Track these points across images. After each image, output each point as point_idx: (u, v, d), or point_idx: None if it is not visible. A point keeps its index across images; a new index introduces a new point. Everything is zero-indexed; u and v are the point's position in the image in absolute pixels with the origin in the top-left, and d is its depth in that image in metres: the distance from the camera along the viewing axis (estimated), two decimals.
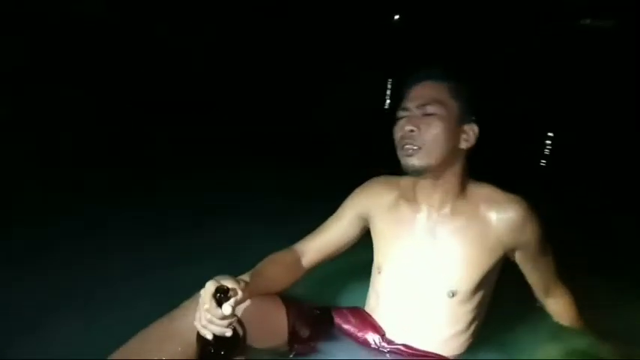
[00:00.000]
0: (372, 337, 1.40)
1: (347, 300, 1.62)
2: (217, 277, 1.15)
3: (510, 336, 1.54)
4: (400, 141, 1.32)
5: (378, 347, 1.38)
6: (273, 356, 1.34)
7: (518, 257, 1.38)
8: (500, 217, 1.30)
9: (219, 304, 1.11)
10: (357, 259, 1.54)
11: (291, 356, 1.36)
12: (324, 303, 1.54)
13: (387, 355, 1.37)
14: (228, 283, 1.14)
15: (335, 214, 1.51)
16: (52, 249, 2.00)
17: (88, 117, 4.17)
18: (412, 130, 1.29)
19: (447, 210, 1.34)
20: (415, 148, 1.28)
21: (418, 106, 1.30)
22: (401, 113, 1.34)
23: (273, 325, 1.34)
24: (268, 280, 1.34)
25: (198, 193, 2.91)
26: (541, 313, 1.52)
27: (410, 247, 1.36)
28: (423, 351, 1.36)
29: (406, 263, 1.37)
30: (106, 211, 2.51)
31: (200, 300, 1.12)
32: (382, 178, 1.50)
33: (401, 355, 1.36)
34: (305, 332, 1.39)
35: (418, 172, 1.30)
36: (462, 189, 1.34)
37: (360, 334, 1.41)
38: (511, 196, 1.32)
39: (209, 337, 1.12)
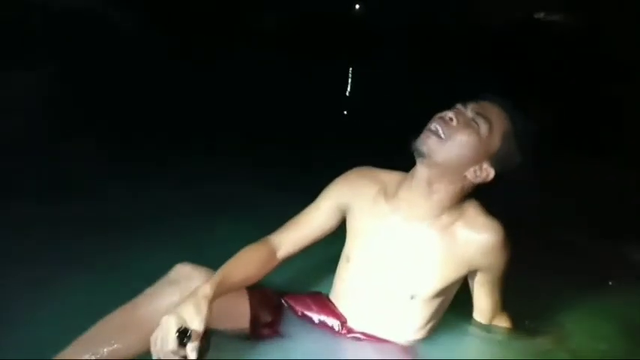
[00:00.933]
0: (332, 323, 1.42)
1: (309, 285, 1.64)
2: (181, 310, 1.12)
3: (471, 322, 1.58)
4: (434, 119, 1.30)
5: (338, 333, 1.41)
6: (235, 340, 1.35)
7: (478, 278, 1.41)
8: (473, 237, 1.32)
9: (182, 342, 1.09)
10: (322, 245, 1.53)
11: (252, 340, 1.37)
12: (286, 288, 1.55)
13: (346, 340, 1.40)
14: (193, 322, 1.11)
15: (313, 204, 1.48)
16: None
17: None
18: (451, 119, 1.27)
19: (425, 220, 1.34)
20: (439, 134, 1.27)
21: (476, 112, 1.29)
22: (457, 104, 1.33)
23: (235, 310, 1.35)
24: (240, 281, 1.33)
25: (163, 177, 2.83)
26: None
27: (381, 243, 1.38)
28: (381, 338, 1.40)
29: (375, 258, 1.38)
30: None
31: (162, 328, 1.10)
32: (364, 170, 1.47)
33: (359, 341, 1.39)
34: (267, 317, 1.40)
35: (420, 156, 1.29)
36: (448, 209, 1.34)
37: (320, 320, 1.43)
38: (489, 219, 1.34)
39: (155, 358, 1.11)
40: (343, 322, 1.42)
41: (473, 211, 1.35)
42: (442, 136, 1.27)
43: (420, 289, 1.35)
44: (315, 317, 1.44)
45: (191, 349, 1.09)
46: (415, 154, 1.31)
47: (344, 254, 1.46)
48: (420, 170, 1.32)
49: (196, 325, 1.12)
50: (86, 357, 1.20)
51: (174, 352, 1.09)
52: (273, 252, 1.43)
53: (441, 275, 1.35)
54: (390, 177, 1.42)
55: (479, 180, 1.31)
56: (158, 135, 3.47)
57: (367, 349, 1.38)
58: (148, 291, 1.29)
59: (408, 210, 1.35)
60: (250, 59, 5.30)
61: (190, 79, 4.64)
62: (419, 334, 1.42)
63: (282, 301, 1.48)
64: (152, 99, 4.10)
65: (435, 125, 1.28)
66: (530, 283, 1.81)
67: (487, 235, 1.31)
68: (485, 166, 1.30)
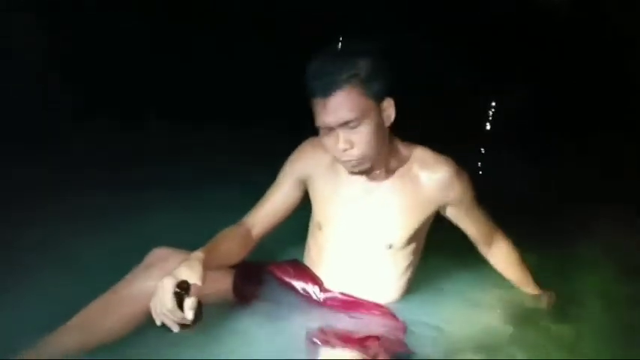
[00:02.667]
0: (310, 288, 1.48)
1: (284, 254, 1.69)
2: (177, 272, 1.16)
3: (447, 282, 1.66)
4: (337, 156, 1.32)
5: (316, 296, 1.47)
6: (220, 307, 1.41)
7: (452, 214, 1.47)
8: (430, 177, 1.39)
9: (180, 298, 1.12)
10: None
11: (237, 307, 1.43)
12: (262, 258, 1.60)
13: (325, 302, 1.46)
14: (190, 278, 1.16)
15: (275, 182, 1.52)
16: None
17: None
18: (345, 149, 1.28)
19: (382, 170, 1.40)
20: (356, 160, 1.30)
21: (341, 124, 1.26)
22: (324, 131, 1.31)
23: (219, 279, 1.41)
24: (223, 258, 1.38)
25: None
26: (479, 260, 1.60)
27: (348, 205, 1.43)
28: (358, 297, 1.45)
29: (346, 220, 1.43)
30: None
31: (158, 292, 1.13)
32: (316, 140, 1.45)
33: (337, 302, 1.45)
34: (249, 284, 1.46)
35: (364, 169, 1.35)
36: (393, 151, 1.40)
37: (298, 285, 1.49)
38: (440, 157, 1.41)
39: (159, 323, 1.15)
40: (320, 285, 1.48)
41: (422, 153, 1.41)
42: (358, 159, 1.30)
43: (395, 236, 1.41)
44: (293, 281, 1.50)
45: (188, 307, 1.13)
46: (358, 172, 1.36)
47: (314, 222, 1.51)
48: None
49: (193, 279, 1.16)
50: (70, 343, 1.27)
51: (172, 311, 1.12)
52: (248, 232, 1.49)
53: (411, 218, 1.41)
54: None
55: (393, 113, 1.32)
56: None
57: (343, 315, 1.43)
58: (127, 277, 1.35)
59: (369, 169, 1.38)
60: None
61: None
62: (399, 284, 1.48)
63: (265, 270, 1.53)
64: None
65: (345, 160, 1.30)
66: None
67: (441, 172, 1.38)
68: (385, 106, 1.30)
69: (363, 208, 1.41)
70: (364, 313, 1.43)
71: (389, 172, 1.40)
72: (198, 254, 1.26)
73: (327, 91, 1.23)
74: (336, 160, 1.36)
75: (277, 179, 1.52)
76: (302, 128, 1.49)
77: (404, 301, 1.50)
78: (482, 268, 1.61)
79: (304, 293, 1.48)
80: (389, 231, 1.41)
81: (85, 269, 1.70)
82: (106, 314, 1.30)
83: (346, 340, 1.28)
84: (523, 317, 1.54)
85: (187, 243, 1.37)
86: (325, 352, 1.26)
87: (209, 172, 2.63)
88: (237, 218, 1.52)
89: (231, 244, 1.42)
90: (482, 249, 1.57)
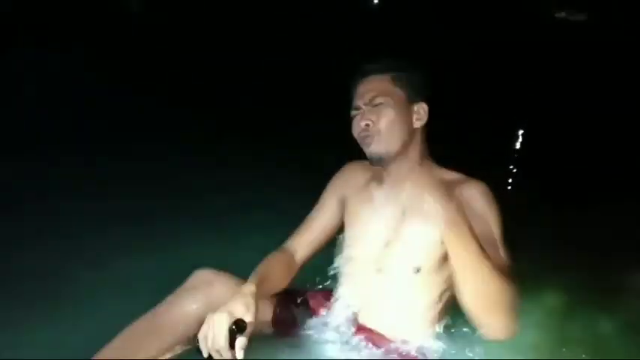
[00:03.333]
0: (341, 322, 1.42)
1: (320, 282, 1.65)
2: (233, 308, 1.14)
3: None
4: (359, 136, 1.41)
5: (346, 329, 1.41)
6: (256, 338, 1.35)
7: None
8: (462, 190, 1.34)
9: (232, 336, 1.10)
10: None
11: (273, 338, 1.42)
12: (302, 286, 1.58)
13: (355, 335, 1.40)
14: (245, 317, 1.14)
15: (317, 204, 1.57)
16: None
17: None
18: (367, 125, 1.38)
19: (408, 178, 1.32)
20: (372, 138, 1.38)
21: (367, 102, 1.40)
22: (353, 112, 1.44)
23: (260, 311, 1.35)
24: (271, 288, 1.39)
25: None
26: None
27: (377, 226, 1.41)
28: (387, 335, 1.39)
29: (374, 244, 1.41)
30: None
31: (212, 325, 1.11)
32: (355, 163, 1.58)
33: (367, 335, 1.39)
34: (286, 316, 1.44)
35: (381, 159, 1.39)
36: (428, 169, 1.41)
37: (330, 317, 1.45)
38: (473, 178, 1.39)
39: (205, 355, 1.12)
40: (353, 319, 1.42)
41: (453, 173, 1.42)
42: (375, 134, 1.37)
43: (422, 259, 1.34)
44: (327, 314, 1.46)
45: (240, 347, 1.11)
46: (378, 163, 1.41)
47: (345, 247, 1.48)
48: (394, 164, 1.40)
49: (248, 318, 1.14)
50: None
51: (224, 349, 1.09)
52: (292, 257, 1.50)
53: (438, 237, 1.28)
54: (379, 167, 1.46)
55: (424, 118, 1.42)
56: None
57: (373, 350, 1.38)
58: (169, 298, 1.34)
59: (396, 185, 1.40)
60: None
61: None
62: (430, 314, 1.38)
63: (300, 299, 1.51)
64: None
65: (365, 138, 1.39)
66: None
67: (474, 188, 1.35)
68: (416, 107, 1.41)
69: (391, 229, 1.38)
70: (392, 351, 1.36)
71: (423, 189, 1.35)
72: (251, 288, 1.22)
73: (364, 76, 1.43)
74: (358, 142, 1.41)
75: (318, 202, 1.56)
76: None
77: (437, 340, 1.41)
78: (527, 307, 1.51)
79: (335, 325, 1.43)
80: (416, 253, 1.34)
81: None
82: (147, 337, 1.28)
83: None
84: None
85: (225, 264, 1.38)
86: None
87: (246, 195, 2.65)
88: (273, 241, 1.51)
89: (277, 271, 1.42)
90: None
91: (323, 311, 1.47)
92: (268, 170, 3.10)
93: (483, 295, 1.12)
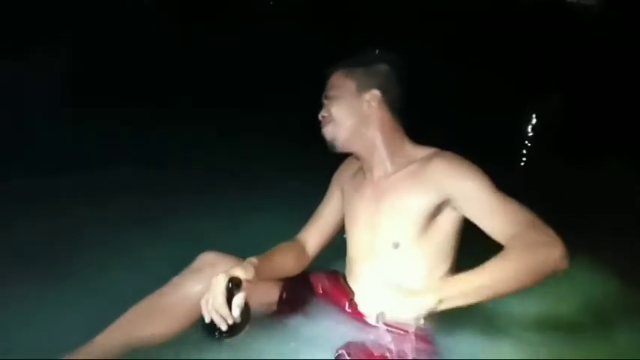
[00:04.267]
0: (345, 304, 1.44)
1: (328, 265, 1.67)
2: (231, 270, 1.23)
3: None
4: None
5: (353, 314, 1.42)
6: (259, 316, 1.39)
7: (467, 210, 1.31)
8: (429, 165, 1.36)
9: (230, 294, 1.18)
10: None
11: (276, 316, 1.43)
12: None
13: (357, 314, 1.41)
14: (241, 274, 1.22)
15: (324, 197, 1.63)
16: None
17: None
18: (323, 116, 1.48)
19: (388, 168, 1.44)
20: (325, 128, 1.47)
21: (325, 97, 1.50)
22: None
23: (267, 292, 1.44)
24: (277, 270, 1.44)
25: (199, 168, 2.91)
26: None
27: (362, 210, 1.47)
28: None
29: (361, 226, 1.46)
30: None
31: (212, 288, 1.19)
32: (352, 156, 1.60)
33: (363, 322, 1.39)
34: (290, 297, 1.46)
35: (335, 146, 1.47)
36: (396, 149, 1.45)
37: (335, 302, 1.46)
38: (446, 151, 1.39)
39: (208, 320, 1.19)
40: (350, 300, 1.44)
41: (428, 148, 1.44)
42: (328, 124, 1.46)
43: (399, 235, 1.37)
44: (328, 295, 1.48)
45: (236, 304, 1.18)
46: (334, 150, 1.48)
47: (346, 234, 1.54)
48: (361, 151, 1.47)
49: (243, 276, 1.22)
50: (116, 344, 1.31)
51: (221, 306, 1.16)
52: (303, 248, 1.57)
53: (413, 214, 1.35)
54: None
55: (376, 104, 1.45)
56: None
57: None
58: (174, 280, 1.37)
59: (373, 169, 1.46)
60: None
61: None
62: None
63: (306, 280, 1.53)
64: None
65: (321, 125, 1.49)
66: None
67: (443, 159, 1.35)
68: (366, 95, 1.45)
69: (372, 210, 1.43)
70: (397, 332, 1.32)
71: (394, 169, 1.43)
72: (253, 260, 1.32)
73: (328, 75, 1.51)
74: (324, 132, 1.48)
75: (326, 193, 1.63)
76: None
77: (442, 324, 1.39)
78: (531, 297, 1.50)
79: (336, 306, 1.45)
80: (393, 229, 1.38)
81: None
82: (152, 317, 1.32)
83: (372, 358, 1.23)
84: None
85: (234, 249, 1.40)
86: None
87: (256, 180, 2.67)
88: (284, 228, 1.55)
89: (286, 258, 1.49)
90: (506, 243, 1.21)
91: (324, 292, 1.48)
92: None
93: (532, 279, 1.12)
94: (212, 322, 1.19)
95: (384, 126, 1.46)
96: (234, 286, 1.18)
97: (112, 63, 4.47)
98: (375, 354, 1.25)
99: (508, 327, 1.50)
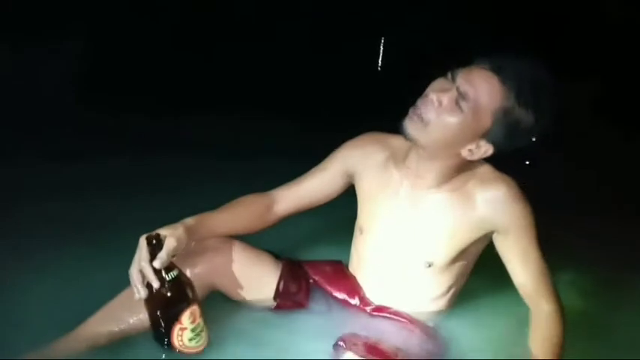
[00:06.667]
0: (349, 297, 1.41)
1: (331, 256, 1.60)
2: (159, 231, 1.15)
3: (486, 307, 1.54)
4: (418, 101, 1.23)
5: (357, 307, 1.40)
6: (258, 310, 1.38)
7: (503, 243, 1.31)
8: (484, 194, 1.26)
9: (154, 254, 1.09)
10: (344, 215, 1.50)
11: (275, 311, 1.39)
12: (306, 258, 1.55)
13: (362, 308, 1.39)
14: (165, 232, 1.13)
15: (320, 165, 1.45)
16: None
17: None
18: (440, 101, 1.19)
19: (432, 188, 1.30)
20: (422, 117, 1.20)
21: (461, 90, 1.18)
22: (441, 79, 1.23)
23: (262, 280, 1.37)
24: (224, 226, 1.33)
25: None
26: None
27: (392, 212, 1.34)
28: (397, 312, 1.37)
29: (387, 228, 1.35)
30: None
31: (136, 257, 1.12)
32: (375, 135, 1.42)
33: (377, 316, 1.38)
34: (289, 288, 1.40)
35: (408, 139, 1.24)
36: (456, 173, 1.29)
37: (338, 293, 1.42)
38: (499, 175, 1.28)
39: (138, 295, 1.10)
40: (361, 296, 1.41)
41: (483, 170, 1.30)
42: (424, 120, 1.19)
43: (436, 255, 1.31)
44: (332, 289, 1.43)
45: (158, 260, 1.09)
46: (407, 138, 1.24)
47: (357, 225, 1.43)
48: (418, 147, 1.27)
49: (168, 233, 1.13)
50: (97, 336, 1.22)
51: (145, 264, 1.09)
52: (269, 206, 1.42)
53: (455, 238, 1.29)
54: (401, 143, 1.34)
55: (477, 157, 1.25)
56: None
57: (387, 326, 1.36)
58: None
59: (416, 178, 1.30)
60: None
61: None
62: (439, 304, 1.38)
63: (304, 270, 1.46)
64: None
65: (417, 109, 1.21)
66: None
67: (497, 189, 1.25)
68: (482, 143, 1.23)
69: (406, 218, 1.32)
70: (402, 326, 1.35)
71: (443, 183, 1.28)
72: (187, 219, 1.23)
73: (489, 65, 1.19)
74: (412, 111, 1.22)
75: (322, 163, 1.44)
76: None
77: (448, 319, 1.41)
78: None
79: (344, 302, 1.41)
80: (430, 249, 1.31)
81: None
82: (131, 307, 1.21)
83: (373, 351, 1.20)
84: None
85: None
86: (348, 357, 1.18)
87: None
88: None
89: (242, 212, 1.37)
90: (525, 298, 1.35)
91: (329, 286, 1.43)
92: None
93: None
94: (159, 332, 1.12)
95: (469, 164, 1.28)
96: (156, 243, 1.09)
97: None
98: (377, 346, 1.23)
99: (508, 327, 1.48)
